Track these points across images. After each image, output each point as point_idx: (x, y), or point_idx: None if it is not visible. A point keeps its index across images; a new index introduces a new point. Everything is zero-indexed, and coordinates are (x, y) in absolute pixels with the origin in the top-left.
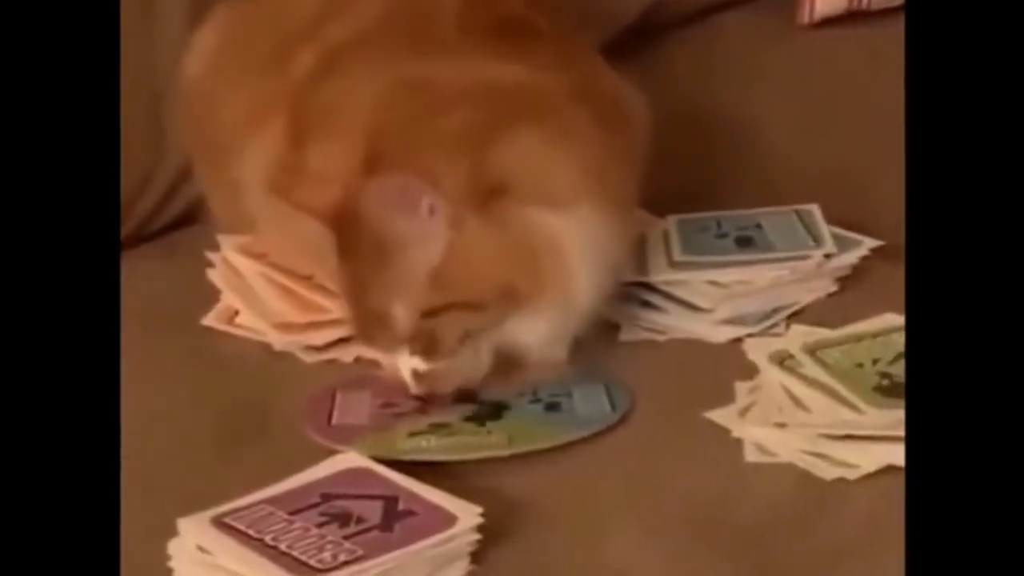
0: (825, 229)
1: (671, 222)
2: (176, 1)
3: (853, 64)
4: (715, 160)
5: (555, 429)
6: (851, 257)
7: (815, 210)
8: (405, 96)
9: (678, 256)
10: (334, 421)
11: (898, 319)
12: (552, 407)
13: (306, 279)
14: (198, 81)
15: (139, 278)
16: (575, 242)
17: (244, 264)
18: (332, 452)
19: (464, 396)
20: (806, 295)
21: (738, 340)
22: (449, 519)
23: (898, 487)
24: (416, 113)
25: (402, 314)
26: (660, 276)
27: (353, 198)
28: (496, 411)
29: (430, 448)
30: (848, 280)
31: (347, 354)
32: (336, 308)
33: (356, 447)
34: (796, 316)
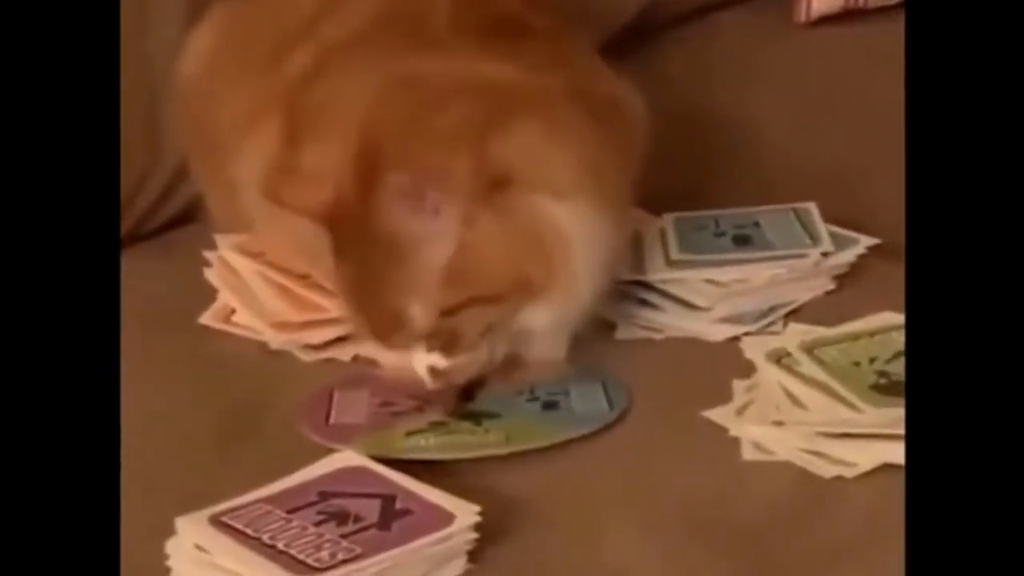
0: (822, 227)
1: (668, 220)
2: (173, 1)
3: (850, 62)
4: (712, 158)
5: (553, 428)
6: (848, 255)
7: (812, 208)
8: (398, 93)
9: (675, 255)
10: (332, 420)
11: (895, 317)
12: (550, 406)
13: (303, 278)
14: (195, 81)
15: (136, 277)
16: (577, 232)
17: (241, 263)
18: (330, 451)
19: (462, 395)
20: (803, 293)
21: (735, 338)
22: (447, 518)
23: (896, 485)
24: (411, 110)
25: (420, 313)
26: (657, 275)
27: (348, 197)
28: (494, 410)
29: (428, 447)
30: (845, 278)
31: (344, 353)
32: (333, 307)
33: (354, 446)
34: (793, 314)
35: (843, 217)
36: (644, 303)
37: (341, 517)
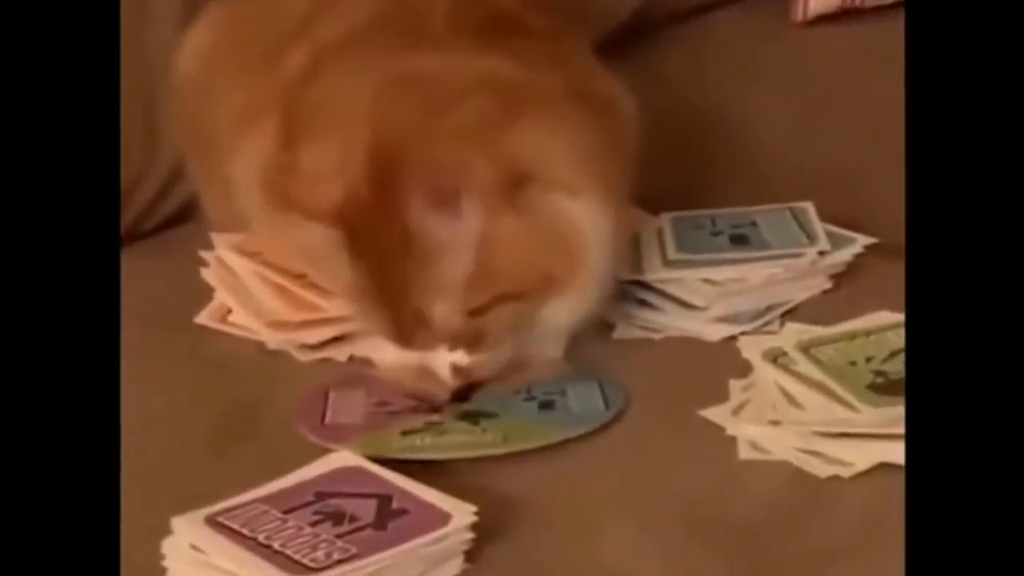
0: (819, 226)
1: (665, 220)
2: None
3: (847, 62)
4: (709, 158)
5: (549, 427)
6: (845, 254)
7: (809, 207)
8: (407, 91)
9: (672, 254)
10: (328, 420)
11: (892, 316)
12: (546, 405)
13: (300, 277)
14: (191, 78)
15: (133, 276)
16: (591, 228)
17: (238, 263)
18: (326, 451)
19: (459, 395)
20: (800, 293)
21: (732, 338)
22: (443, 517)
23: (892, 485)
24: (425, 107)
25: (446, 313)
26: (654, 274)
27: (363, 197)
28: (490, 409)
29: (424, 447)
30: (842, 277)
31: (341, 353)
32: (330, 307)
33: (350, 446)
34: (790, 314)
35: (840, 216)
36: (641, 303)
37: (337, 517)
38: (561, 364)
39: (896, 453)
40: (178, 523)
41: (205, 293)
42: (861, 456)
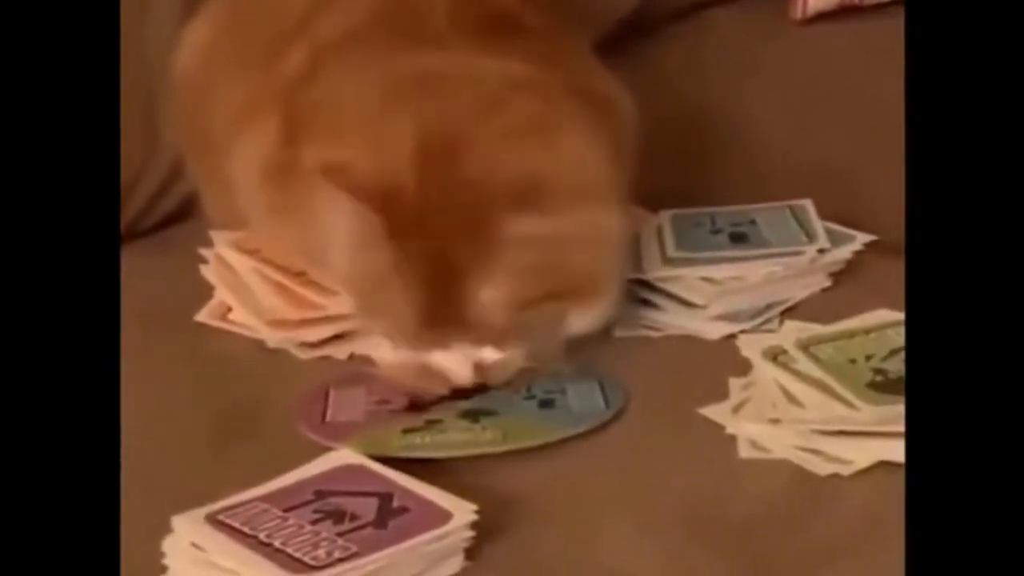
0: (818, 224)
1: (665, 218)
2: None
3: (846, 59)
4: (708, 156)
5: (549, 426)
6: (844, 252)
7: (808, 205)
8: (440, 88)
9: (672, 252)
10: (328, 418)
11: (892, 315)
12: (546, 404)
13: (299, 275)
14: (190, 74)
15: (132, 274)
16: (615, 227)
17: (238, 260)
18: (326, 449)
19: (459, 393)
20: (800, 291)
21: (732, 336)
22: (443, 516)
23: (892, 482)
24: (468, 104)
25: (496, 301)
26: (654, 272)
27: (412, 188)
28: (490, 408)
29: (424, 445)
30: (842, 275)
31: (341, 351)
32: (330, 304)
33: (350, 444)
34: (790, 312)
35: (839, 214)
36: (641, 301)
37: (337, 515)
38: (561, 362)
39: (896, 451)
40: (178, 521)
41: (205, 291)
42: (861, 454)
